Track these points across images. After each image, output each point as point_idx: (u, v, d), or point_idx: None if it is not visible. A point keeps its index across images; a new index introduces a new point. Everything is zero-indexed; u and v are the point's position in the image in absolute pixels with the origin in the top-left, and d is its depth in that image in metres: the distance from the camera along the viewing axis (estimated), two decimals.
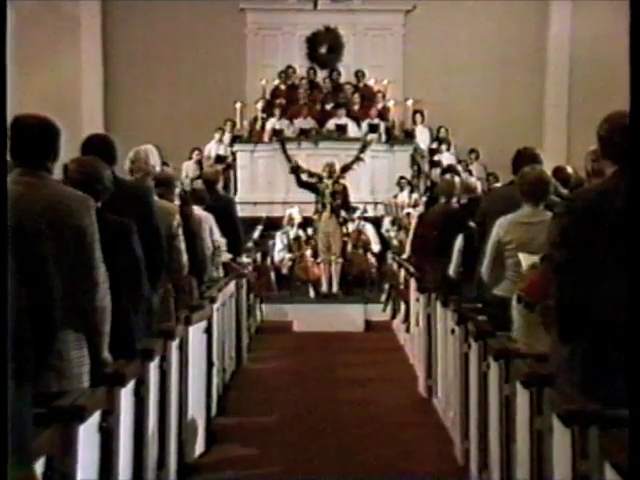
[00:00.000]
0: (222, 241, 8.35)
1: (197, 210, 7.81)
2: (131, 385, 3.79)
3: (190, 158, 16.79)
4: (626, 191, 2.96)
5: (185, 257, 5.65)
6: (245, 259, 11.07)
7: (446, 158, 16.58)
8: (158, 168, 5.75)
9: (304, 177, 13.39)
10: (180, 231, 5.62)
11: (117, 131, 13.48)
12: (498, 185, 12.94)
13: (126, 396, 3.66)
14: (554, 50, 17.91)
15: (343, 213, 13.20)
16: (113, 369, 3.52)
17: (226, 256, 8.73)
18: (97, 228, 3.43)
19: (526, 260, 4.61)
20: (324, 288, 13.17)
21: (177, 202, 6.47)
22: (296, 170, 13.79)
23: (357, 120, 16.66)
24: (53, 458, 2.65)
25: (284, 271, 13.98)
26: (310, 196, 13.29)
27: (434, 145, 17.03)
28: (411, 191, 15.62)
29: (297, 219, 14.22)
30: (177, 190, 7.01)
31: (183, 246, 5.63)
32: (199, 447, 5.95)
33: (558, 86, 17.89)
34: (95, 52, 18.02)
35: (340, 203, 12.98)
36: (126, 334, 3.85)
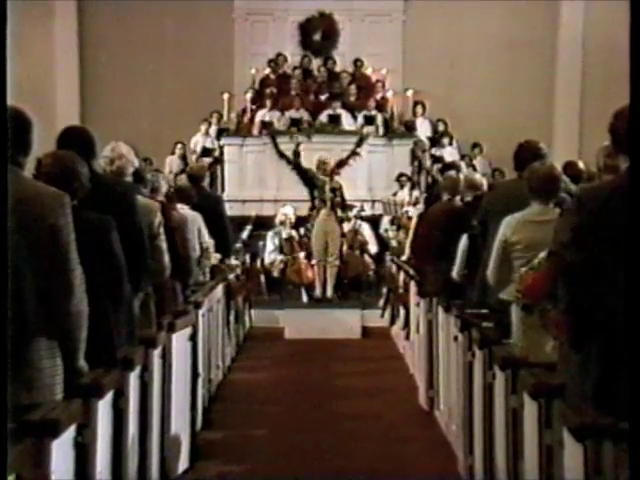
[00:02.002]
0: (211, 242, 8.34)
1: (184, 209, 7.80)
2: (109, 397, 3.78)
3: (173, 152, 16.76)
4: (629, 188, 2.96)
5: (167, 257, 5.68)
6: (234, 261, 11.07)
7: (448, 153, 16.61)
8: (136, 163, 5.79)
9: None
10: (162, 230, 5.64)
11: (94, 123, 13.46)
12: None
13: (104, 409, 3.65)
14: (565, 37, 17.93)
15: (339, 212, 13.16)
16: (89, 379, 3.50)
17: (215, 257, 8.72)
18: (73, 227, 3.42)
19: None
20: (318, 292, 13.15)
21: (161, 199, 6.50)
22: (298, 156, 13.77)
23: (353, 111, 16.66)
24: (23, 476, 2.63)
25: (275, 274, 13.96)
26: (303, 193, 13.25)
27: (435, 137, 17.03)
28: (411, 188, 15.62)
29: (292, 218, 14.16)
30: (164, 188, 7.03)
31: (165, 246, 5.66)
32: (183, 463, 5.94)
33: (570, 75, 17.91)
34: (70, 38, 17.99)
35: (339, 201, 12.92)
36: (104, 341, 3.84)
